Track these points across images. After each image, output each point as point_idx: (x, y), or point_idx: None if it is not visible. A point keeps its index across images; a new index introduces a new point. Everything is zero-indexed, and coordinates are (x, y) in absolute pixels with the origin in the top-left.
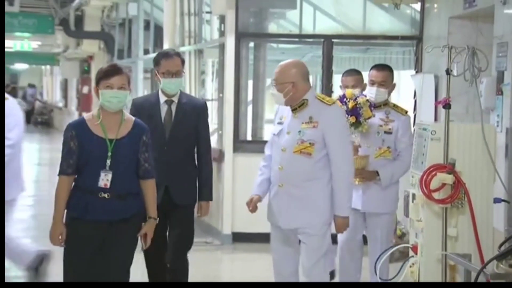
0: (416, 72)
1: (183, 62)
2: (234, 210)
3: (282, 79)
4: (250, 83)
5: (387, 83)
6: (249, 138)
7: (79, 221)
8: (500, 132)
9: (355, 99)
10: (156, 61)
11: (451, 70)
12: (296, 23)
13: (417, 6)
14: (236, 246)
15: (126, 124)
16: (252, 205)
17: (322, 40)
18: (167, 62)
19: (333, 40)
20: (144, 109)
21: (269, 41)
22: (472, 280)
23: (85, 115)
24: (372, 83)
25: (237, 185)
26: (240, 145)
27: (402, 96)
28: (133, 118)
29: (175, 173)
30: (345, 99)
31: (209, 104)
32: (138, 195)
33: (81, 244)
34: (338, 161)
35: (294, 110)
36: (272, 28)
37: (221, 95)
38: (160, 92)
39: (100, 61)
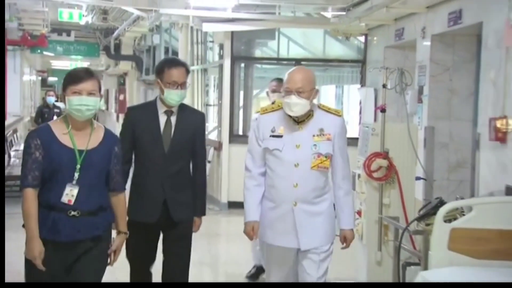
0: (361, 86)
1: (188, 72)
2: (230, 185)
3: (309, 85)
4: (242, 93)
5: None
6: (240, 133)
7: (46, 242)
8: (420, 130)
9: None
10: (160, 69)
11: (386, 85)
12: (275, 49)
13: (362, 38)
14: (231, 211)
15: (97, 133)
16: (255, 234)
17: (294, 62)
18: (173, 72)
19: (301, 62)
20: (141, 119)
21: (255, 63)
22: (399, 235)
23: (51, 122)
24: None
25: (232, 167)
26: (234, 138)
27: (351, 104)
28: (103, 127)
29: (173, 187)
30: None
31: (210, 108)
32: (108, 209)
33: (47, 265)
34: (346, 173)
35: (301, 121)
36: (258, 53)
37: (220, 101)
38: (158, 101)
39: (133, 77)
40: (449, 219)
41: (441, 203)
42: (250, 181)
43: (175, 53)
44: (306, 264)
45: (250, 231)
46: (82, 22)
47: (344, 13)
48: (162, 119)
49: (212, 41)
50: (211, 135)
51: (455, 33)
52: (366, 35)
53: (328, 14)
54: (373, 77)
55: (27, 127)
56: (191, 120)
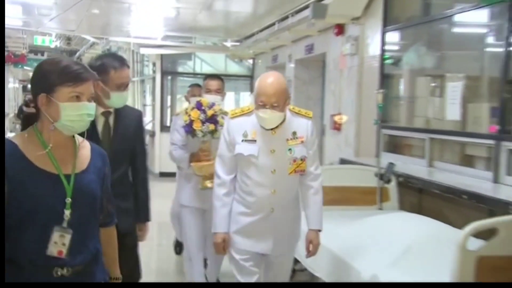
0: (251, 93)
1: (129, 69)
2: (161, 160)
3: (283, 97)
4: (169, 97)
5: (222, 91)
6: (168, 124)
7: None
8: None
9: (211, 107)
10: (103, 71)
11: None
12: (191, 67)
13: (251, 61)
14: (162, 179)
15: (83, 150)
16: (226, 246)
17: (204, 76)
18: (121, 73)
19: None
20: None
21: (178, 76)
22: None
23: (13, 137)
24: (208, 91)
25: (162, 148)
26: (163, 128)
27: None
28: (86, 140)
29: (116, 196)
30: (202, 107)
31: (147, 107)
32: (101, 254)
33: None
34: (317, 173)
35: (275, 127)
36: (179, 69)
37: (153, 102)
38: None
39: None
40: None
41: None
42: (220, 190)
43: None
44: (276, 268)
45: (221, 242)
46: (52, 46)
47: (238, 43)
48: (100, 120)
49: (148, 60)
50: (148, 126)
51: (309, 59)
52: (253, 59)
53: (228, 43)
54: None
55: (11, 121)
56: (130, 119)
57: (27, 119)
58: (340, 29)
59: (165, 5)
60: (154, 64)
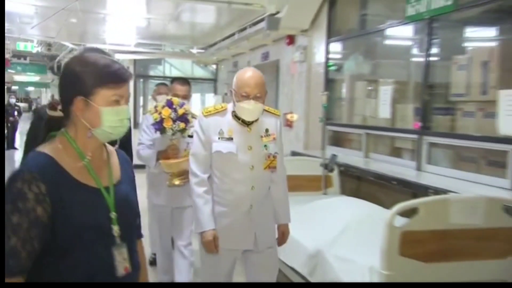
0: (214, 94)
1: None
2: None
3: (264, 89)
4: (141, 97)
5: (189, 96)
6: (140, 121)
7: None
8: None
9: (182, 105)
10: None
11: (227, 94)
12: (161, 71)
13: (214, 66)
14: (136, 170)
15: (113, 159)
16: (217, 244)
17: (172, 79)
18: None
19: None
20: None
21: (150, 79)
22: None
23: (47, 149)
24: (176, 95)
25: (134, 143)
26: (136, 125)
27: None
28: (110, 146)
29: None
30: (173, 106)
31: None
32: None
33: None
34: (283, 170)
35: (250, 123)
36: (151, 73)
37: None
38: None
39: None
40: None
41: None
42: (199, 188)
43: None
44: (264, 262)
45: (212, 240)
46: (34, 51)
47: (203, 50)
48: None
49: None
50: None
51: (265, 65)
52: (217, 64)
53: (194, 51)
54: (222, 88)
55: None
56: None
57: (51, 124)
58: (291, 39)
59: (137, 16)
60: (128, 68)
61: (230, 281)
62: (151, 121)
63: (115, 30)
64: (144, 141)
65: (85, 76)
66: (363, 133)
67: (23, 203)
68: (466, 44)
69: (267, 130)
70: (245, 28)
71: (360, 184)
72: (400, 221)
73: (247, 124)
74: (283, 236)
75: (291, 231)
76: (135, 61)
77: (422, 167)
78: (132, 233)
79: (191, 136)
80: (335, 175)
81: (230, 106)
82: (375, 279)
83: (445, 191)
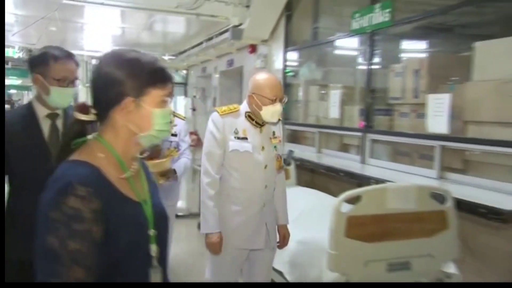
0: (185, 97)
1: (77, 66)
2: None
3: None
4: None
5: (172, 95)
6: None
7: None
8: None
9: None
10: (42, 61)
11: (196, 96)
12: None
13: (185, 71)
14: None
15: (138, 164)
16: (221, 245)
17: None
18: (63, 66)
19: None
20: (15, 126)
21: None
22: None
23: (85, 157)
24: None
25: None
26: None
27: (179, 108)
28: None
29: None
30: None
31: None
32: None
33: None
34: (283, 172)
35: (263, 125)
36: None
37: None
38: (35, 103)
39: None
40: None
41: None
42: (211, 190)
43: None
44: (266, 260)
45: (219, 241)
46: (16, 56)
47: (174, 57)
48: (45, 123)
49: None
50: None
51: (230, 71)
52: (187, 69)
53: (166, 57)
54: (191, 92)
55: None
56: None
57: (76, 129)
58: (253, 48)
59: (112, 25)
60: None
61: (237, 281)
62: None
63: (92, 38)
64: None
65: (134, 75)
66: (316, 131)
67: (80, 224)
68: (401, 55)
69: (274, 133)
70: (212, 38)
71: (314, 176)
72: (346, 207)
73: (260, 125)
74: (284, 239)
75: None
76: None
77: (366, 161)
78: (166, 251)
79: (174, 135)
80: (292, 168)
81: (242, 108)
82: (325, 258)
83: (384, 181)
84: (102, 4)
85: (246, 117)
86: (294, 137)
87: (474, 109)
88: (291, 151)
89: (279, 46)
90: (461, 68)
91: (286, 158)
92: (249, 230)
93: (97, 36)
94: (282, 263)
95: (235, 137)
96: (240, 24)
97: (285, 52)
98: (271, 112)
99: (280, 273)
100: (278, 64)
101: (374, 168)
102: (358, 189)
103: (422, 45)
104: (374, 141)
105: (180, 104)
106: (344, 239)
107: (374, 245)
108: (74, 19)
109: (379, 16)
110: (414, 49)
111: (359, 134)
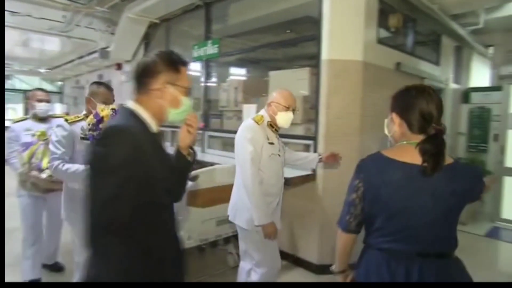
0: (61, 104)
1: None
2: None
3: None
4: None
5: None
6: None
7: None
8: None
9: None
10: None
11: (68, 104)
12: (13, 84)
13: (61, 82)
14: None
15: None
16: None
17: (35, 88)
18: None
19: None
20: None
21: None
22: None
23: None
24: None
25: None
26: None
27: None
28: None
29: None
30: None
31: None
32: None
33: None
34: None
35: (277, 131)
36: None
37: None
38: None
39: None
40: None
41: None
42: (259, 188)
43: None
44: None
45: (275, 230)
46: None
47: (50, 70)
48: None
49: None
50: None
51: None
52: (63, 81)
53: (42, 70)
54: (66, 100)
55: None
56: None
57: None
58: (119, 66)
59: None
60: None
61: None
62: (65, 133)
63: None
64: (61, 155)
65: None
66: (169, 130)
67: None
68: (228, 77)
69: (280, 138)
70: (83, 56)
71: None
72: (190, 184)
73: (277, 131)
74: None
75: None
76: None
77: (205, 151)
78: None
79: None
80: None
81: (265, 118)
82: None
83: (214, 164)
84: None
85: (268, 125)
86: None
87: None
88: None
89: None
90: (263, 88)
91: None
92: (277, 216)
93: None
94: None
95: (268, 142)
96: (107, 47)
97: None
98: (286, 118)
99: None
100: None
101: (210, 155)
102: (197, 170)
103: (241, 71)
104: (211, 136)
105: (57, 110)
106: (187, 208)
107: (207, 209)
108: None
109: (211, 49)
110: (236, 73)
111: (200, 132)
